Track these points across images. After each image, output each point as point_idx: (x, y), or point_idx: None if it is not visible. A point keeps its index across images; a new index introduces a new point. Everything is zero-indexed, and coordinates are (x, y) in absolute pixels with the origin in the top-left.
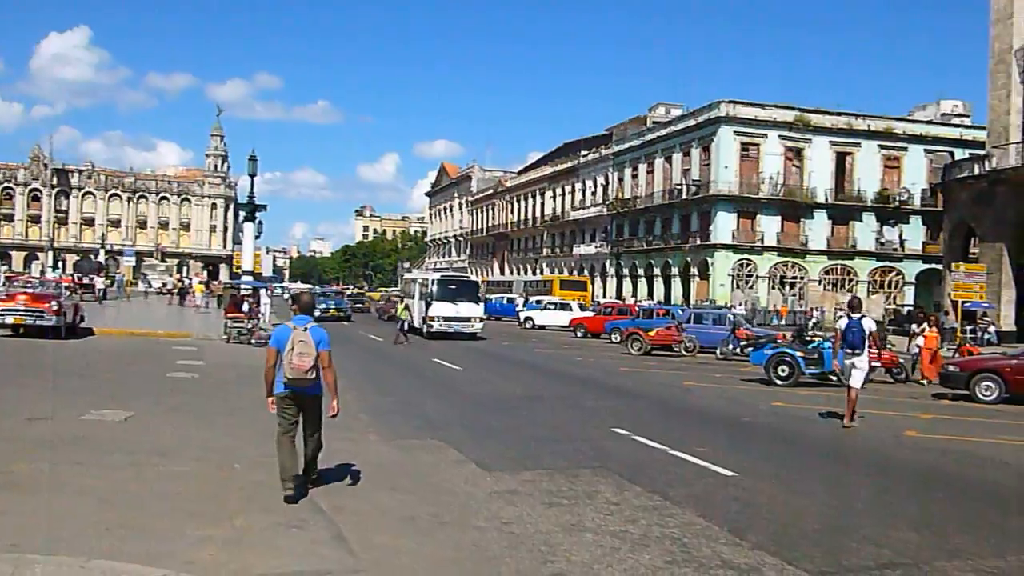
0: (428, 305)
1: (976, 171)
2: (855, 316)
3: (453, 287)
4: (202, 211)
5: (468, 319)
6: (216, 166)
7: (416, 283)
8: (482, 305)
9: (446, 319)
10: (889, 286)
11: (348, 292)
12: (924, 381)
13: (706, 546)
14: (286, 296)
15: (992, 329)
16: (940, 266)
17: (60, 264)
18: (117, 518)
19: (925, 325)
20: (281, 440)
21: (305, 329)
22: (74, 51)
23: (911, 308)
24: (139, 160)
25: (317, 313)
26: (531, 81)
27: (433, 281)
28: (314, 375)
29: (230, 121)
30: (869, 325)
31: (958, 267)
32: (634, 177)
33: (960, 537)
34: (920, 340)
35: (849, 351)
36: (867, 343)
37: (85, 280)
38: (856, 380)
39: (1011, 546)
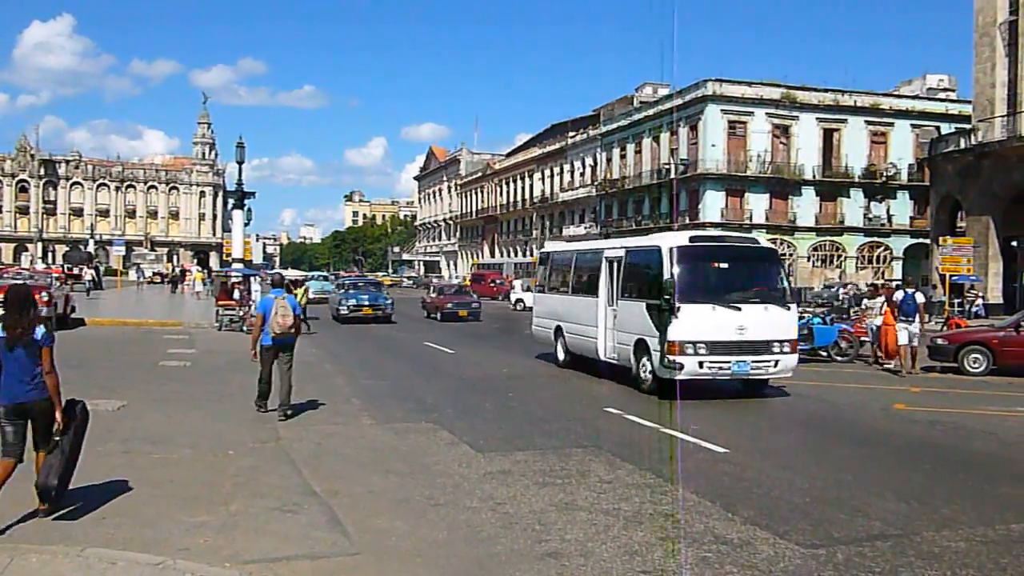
0: (665, 314)
1: (962, 145)
2: (910, 291)
3: (726, 267)
4: (191, 199)
5: (767, 346)
6: (203, 154)
7: (603, 259)
8: (795, 310)
9: (715, 348)
10: (877, 261)
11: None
12: (892, 364)
13: (699, 522)
14: None
15: (980, 302)
16: (928, 240)
17: (50, 255)
18: (112, 506)
19: (882, 299)
20: (263, 376)
21: (283, 298)
22: (57, 40)
23: (873, 284)
24: (125, 148)
25: (345, 311)
26: (517, 63)
27: (675, 252)
28: (292, 330)
29: (215, 107)
30: (920, 298)
31: (945, 241)
32: (622, 157)
33: (948, 507)
34: (878, 320)
35: (903, 318)
36: (917, 312)
37: (75, 271)
38: (911, 340)
39: (999, 515)
